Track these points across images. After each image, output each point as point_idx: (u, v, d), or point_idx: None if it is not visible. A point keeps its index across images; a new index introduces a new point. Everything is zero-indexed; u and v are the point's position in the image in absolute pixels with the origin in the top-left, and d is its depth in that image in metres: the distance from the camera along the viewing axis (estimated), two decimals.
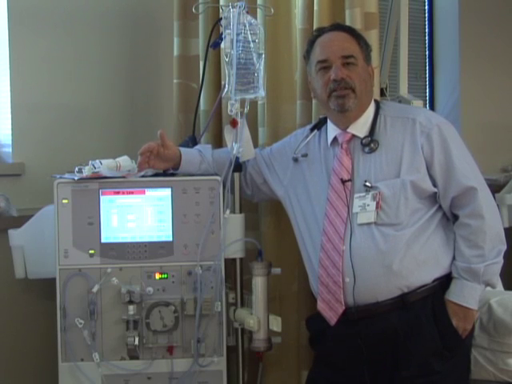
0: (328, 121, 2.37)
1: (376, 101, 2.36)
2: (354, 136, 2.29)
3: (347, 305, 2.21)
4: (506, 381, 2.53)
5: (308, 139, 2.40)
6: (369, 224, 2.19)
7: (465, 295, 2.19)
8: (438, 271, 2.22)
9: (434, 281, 2.20)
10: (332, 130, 2.34)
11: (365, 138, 2.26)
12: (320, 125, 2.41)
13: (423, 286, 2.19)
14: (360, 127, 2.28)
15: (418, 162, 2.20)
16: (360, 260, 2.18)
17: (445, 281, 2.22)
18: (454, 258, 2.23)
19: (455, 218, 2.25)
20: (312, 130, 2.42)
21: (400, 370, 2.19)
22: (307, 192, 2.34)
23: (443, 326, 2.18)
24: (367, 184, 2.21)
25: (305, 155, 2.38)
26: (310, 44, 2.32)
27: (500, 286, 3.11)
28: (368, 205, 2.19)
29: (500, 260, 2.21)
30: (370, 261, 2.17)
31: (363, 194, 2.21)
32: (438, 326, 2.18)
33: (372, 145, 2.25)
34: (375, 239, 2.18)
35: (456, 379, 2.24)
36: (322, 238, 2.25)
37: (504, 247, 2.22)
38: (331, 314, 2.24)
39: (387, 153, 2.23)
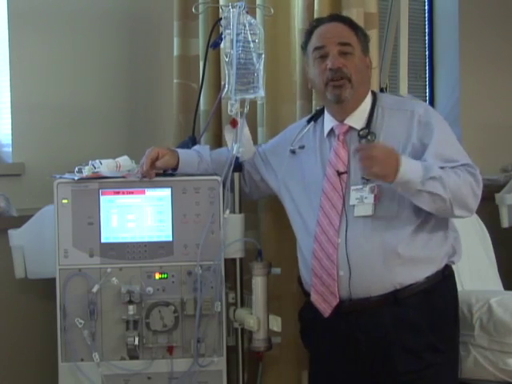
0: (325, 112, 2.36)
1: (373, 92, 2.35)
2: (350, 128, 2.27)
3: (341, 298, 2.19)
4: (506, 381, 2.52)
5: (305, 131, 2.39)
6: (366, 217, 2.17)
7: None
8: (431, 269, 2.21)
9: (426, 278, 2.19)
10: (329, 122, 2.33)
11: (362, 129, 2.24)
12: (317, 116, 2.40)
13: (415, 283, 2.18)
14: (357, 119, 2.27)
15: (414, 154, 2.18)
16: (356, 253, 2.16)
17: (436, 277, 2.20)
18: (447, 255, 2.23)
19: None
20: (309, 121, 2.41)
21: (393, 365, 2.18)
22: (303, 183, 2.33)
23: (434, 321, 2.18)
24: (365, 176, 2.19)
25: (302, 147, 2.37)
26: (308, 34, 2.32)
27: (500, 286, 3.12)
28: (366, 197, 2.17)
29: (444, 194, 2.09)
30: (367, 255, 2.16)
31: (360, 186, 2.18)
32: (429, 320, 2.18)
33: (369, 137, 2.22)
34: (372, 233, 2.16)
35: (449, 371, 2.25)
36: (316, 229, 2.23)
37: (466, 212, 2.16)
38: (325, 305, 2.22)
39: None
